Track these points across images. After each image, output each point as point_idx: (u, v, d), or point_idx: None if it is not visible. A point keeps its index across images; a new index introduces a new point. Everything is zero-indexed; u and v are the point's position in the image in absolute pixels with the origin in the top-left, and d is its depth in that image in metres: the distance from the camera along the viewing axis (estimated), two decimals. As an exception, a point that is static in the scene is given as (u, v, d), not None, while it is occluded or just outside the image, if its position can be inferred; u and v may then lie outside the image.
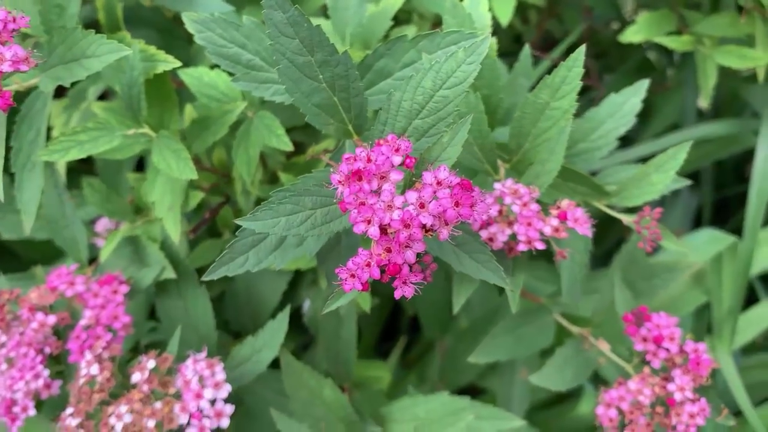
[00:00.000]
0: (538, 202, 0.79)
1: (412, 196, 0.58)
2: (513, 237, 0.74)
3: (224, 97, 0.94)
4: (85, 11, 1.16)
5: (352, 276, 0.60)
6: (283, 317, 0.86)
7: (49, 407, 0.90)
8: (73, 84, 0.80)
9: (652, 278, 1.04)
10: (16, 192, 0.84)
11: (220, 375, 0.78)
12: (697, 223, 1.70)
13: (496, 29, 1.21)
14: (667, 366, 0.87)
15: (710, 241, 1.34)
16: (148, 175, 0.90)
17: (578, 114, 0.92)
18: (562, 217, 0.73)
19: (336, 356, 0.98)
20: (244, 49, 0.82)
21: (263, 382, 0.92)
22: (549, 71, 0.77)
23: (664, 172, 0.82)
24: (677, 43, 1.19)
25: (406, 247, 0.59)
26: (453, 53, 0.63)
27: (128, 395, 0.78)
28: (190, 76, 0.94)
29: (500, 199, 0.74)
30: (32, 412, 0.83)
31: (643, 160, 1.07)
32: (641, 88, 0.90)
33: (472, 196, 0.58)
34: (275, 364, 0.89)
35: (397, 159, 0.60)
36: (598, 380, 1.30)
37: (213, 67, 0.97)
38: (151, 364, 0.79)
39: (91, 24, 1.09)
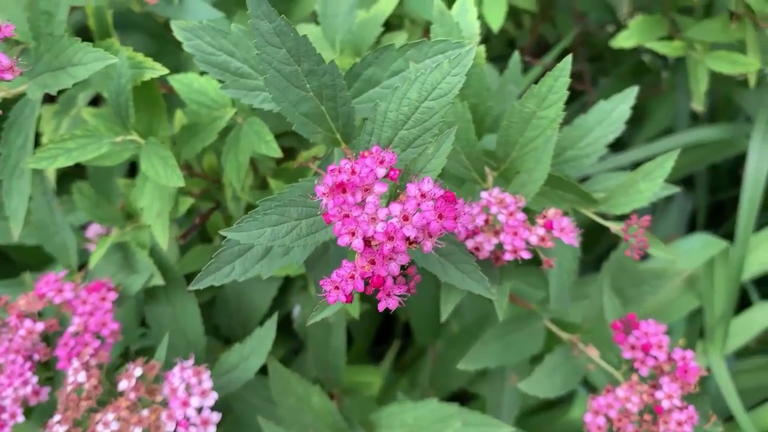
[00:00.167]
0: (526, 209, 0.79)
1: (395, 208, 0.58)
2: (499, 246, 0.74)
3: (214, 103, 0.94)
4: (76, 16, 1.16)
5: (336, 288, 0.60)
6: (271, 325, 0.86)
7: (38, 414, 0.90)
8: (62, 90, 0.80)
9: (641, 285, 1.05)
10: (5, 199, 0.84)
11: (207, 383, 0.78)
12: (691, 226, 1.71)
13: (489, 34, 1.21)
14: (656, 373, 0.87)
15: (703, 246, 1.34)
16: (137, 181, 0.90)
17: (568, 120, 0.93)
18: (548, 227, 0.73)
19: (325, 363, 0.98)
20: (233, 57, 0.82)
21: (251, 389, 0.92)
22: (540, 78, 0.77)
23: (652, 180, 0.82)
24: (669, 49, 1.19)
25: (389, 259, 0.59)
26: (438, 65, 0.63)
27: (115, 403, 0.78)
28: (180, 82, 0.94)
29: (486, 208, 0.74)
30: (21, 418, 0.83)
31: (637, 164, 1.07)
32: (630, 95, 0.90)
33: (456, 209, 0.58)
34: (264, 370, 0.89)
35: (382, 171, 0.60)
36: (591, 385, 1.30)
37: (203, 73, 0.97)
38: (138, 371, 0.79)
39: (82, 29, 1.09)
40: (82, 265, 0.99)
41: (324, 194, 0.60)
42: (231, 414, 0.95)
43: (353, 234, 0.58)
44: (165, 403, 0.78)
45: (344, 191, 0.59)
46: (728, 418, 1.37)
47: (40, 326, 0.84)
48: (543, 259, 0.76)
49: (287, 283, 1.07)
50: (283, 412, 0.87)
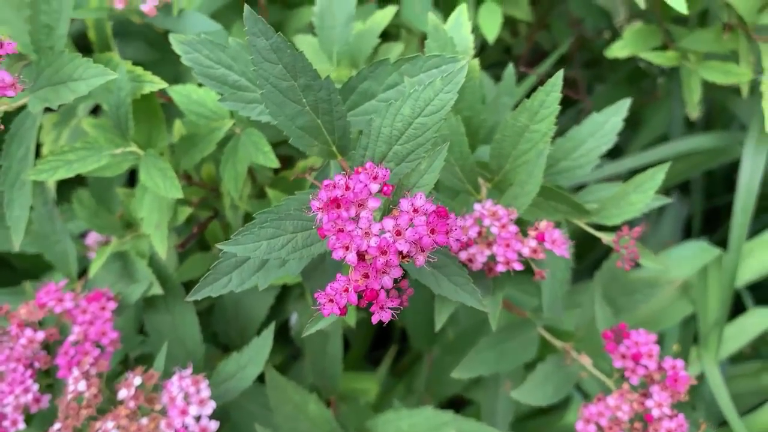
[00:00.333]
0: (520, 220, 0.80)
1: (389, 223, 0.59)
2: (492, 258, 0.75)
3: (212, 114, 0.96)
4: (76, 25, 1.17)
5: (331, 301, 0.61)
6: (268, 334, 0.87)
7: (39, 421, 0.92)
8: (61, 101, 0.81)
9: (633, 293, 1.06)
10: (6, 210, 0.85)
11: (205, 392, 0.80)
12: (687, 232, 1.72)
13: (485, 42, 1.22)
14: (646, 382, 0.88)
15: (696, 253, 1.35)
16: (136, 191, 0.92)
17: (563, 130, 0.94)
18: (540, 239, 0.74)
19: (322, 371, 0.99)
20: (231, 70, 0.83)
21: (249, 397, 0.93)
22: (535, 87, 0.78)
23: (643, 192, 0.84)
24: (662, 59, 1.20)
25: (383, 273, 0.60)
26: (431, 82, 0.64)
27: (115, 411, 0.79)
28: (179, 93, 0.96)
29: (480, 220, 0.75)
30: (22, 426, 0.84)
31: (633, 171, 1.09)
32: (622, 107, 0.91)
33: (448, 223, 0.60)
34: (262, 378, 0.91)
35: (375, 187, 0.61)
36: (586, 392, 1.31)
37: (201, 84, 0.99)
38: (137, 380, 0.80)
39: (83, 40, 1.10)
40: (83, 273, 1.00)
41: (319, 209, 0.61)
42: (229, 421, 0.96)
43: (347, 248, 0.59)
44: (164, 412, 0.80)
45: (338, 206, 0.61)
46: (722, 423, 1.38)
47: (40, 335, 0.85)
48: (535, 270, 0.77)
49: (285, 291, 1.08)
50: (280, 420, 0.88)
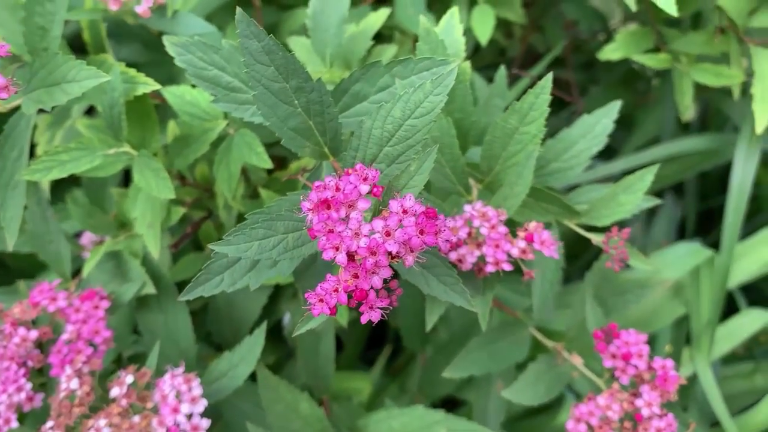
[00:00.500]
0: (511, 220, 0.81)
1: (378, 224, 0.60)
2: (482, 258, 0.76)
3: (206, 115, 0.96)
4: (71, 26, 1.18)
5: (321, 301, 0.62)
6: (260, 333, 0.88)
7: (32, 419, 0.92)
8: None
9: (624, 294, 1.07)
10: (0, 210, 0.86)
11: (197, 390, 0.80)
12: (682, 233, 1.73)
13: (480, 43, 1.23)
14: (636, 382, 0.89)
15: (689, 254, 1.36)
16: (130, 191, 0.92)
17: (554, 132, 0.95)
18: (529, 240, 0.75)
19: (315, 370, 1.00)
20: (224, 72, 0.84)
21: (242, 396, 0.94)
22: (527, 90, 0.79)
23: (632, 193, 0.84)
24: (654, 61, 1.21)
25: (372, 273, 0.61)
26: (421, 85, 0.65)
27: (107, 409, 0.79)
28: (173, 94, 0.96)
29: (470, 221, 0.76)
30: (14, 424, 0.85)
31: (626, 173, 1.09)
32: (613, 109, 0.92)
33: (437, 224, 0.60)
34: (254, 377, 0.91)
35: (365, 188, 0.62)
36: (578, 392, 1.32)
37: (195, 85, 0.99)
38: (129, 379, 0.80)
39: (77, 40, 1.11)
40: (77, 272, 1.01)
41: (309, 210, 0.62)
42: (221, 420, 0.97)
43: (337, 249, 0.60)
44: (156, 410, 0.80)
45: (329, 207, 0.61)
46: (714, 424, 1.39)
47: (34, 334, 0.86)
48: (524, 270, 0.78)
49: (278, 291, 1.09)
50: (272, 419, 0.88)
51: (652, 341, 1.40)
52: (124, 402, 0.79)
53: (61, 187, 1.13)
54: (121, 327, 1.00)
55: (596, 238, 0.85)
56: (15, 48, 0.85)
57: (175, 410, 0.79)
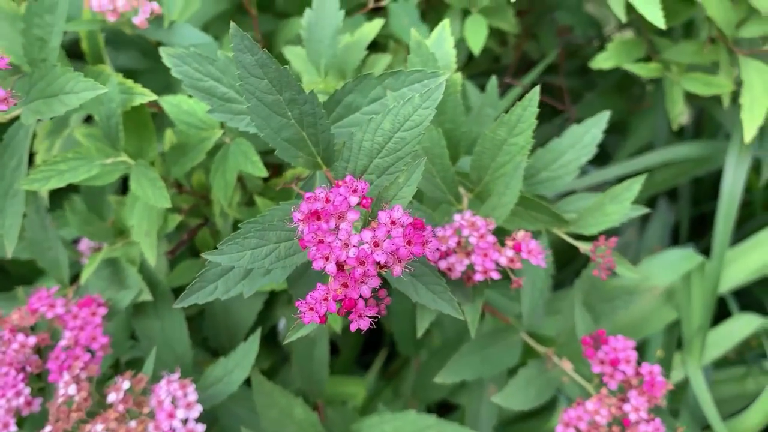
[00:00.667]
0: (501, 229, 0.82)
1: (367, 234, 0.61)
2: (471, 267, 0.78)
3: (202, 124, 0.98)
4: (69, 34, 1.19)
5: (311, 309, 0.63)
6: (254, 339, 0.89)
7: (30, 424, 0.93)
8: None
9: (613, 300, 1.08)
10: (-1, 217, 0.87)
11: (192, 396, 0.82)
12: (675, 238, 1.74)
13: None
14: (624, 387, 0.90)
15: (680, 259, 1.37)
16: (127, 200, 0.94)
17: (548, 140, 0.96)
18: (517, 249, 0.77)
19: (309, 375, 1.02)
20: (219, 83, 0.85)
21: (237, 401, 0.95)
22: (519, 98, 0.80)
23: (619, 202, 0.86)
24: (645, 70, 1.22)
25: (361, 282, 0.62)
26: (410, 99, 0.67)
27: (104, 414, 0.81)
28: (170, 103, 0.98)
29: (459, 230, 0.78)
30: (13, 428, 0.86)
31: (620, 179, 1.10)
32: (602, 119, 0.94)
33: (424, 235, 0.62)
34: (250, 382, 0.93)
35: (354, 199, 0.63)
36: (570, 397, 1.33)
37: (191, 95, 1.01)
38: (126, 384, 0.82)
39: (76, 48, 1.13)
40: (75, 278, 1.02)
41: (300, 220, 0.63)
42: (216, 425, 0.98)
43: (327, 258, 0.62)
44: (152, 415, 0.82)
45: (319, 218, 0.63)
46: (706, 427, 1.41)
47: (32, 340, 0.87)
48: (513, 279, 0.79)
49: (273, 297, 1.10)
50: (267, 424, 0.90)
51: (644, 346, 1.42)
52: (120, 407, 0.81)
53: (59, 195, 1.15)
54: (119, 333, 1.01)
55: (584, 247, 0.86)
56: (14, 59, 0.86)
57: (171, 415, 0.80)
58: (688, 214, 1.73)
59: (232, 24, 0.69)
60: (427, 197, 0.85)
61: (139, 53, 1.25)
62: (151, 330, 0.97)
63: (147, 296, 0.93)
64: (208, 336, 1.11)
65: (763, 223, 1.54)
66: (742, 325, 1.45)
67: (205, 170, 1.06)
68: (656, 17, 0.94)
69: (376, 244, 0.61)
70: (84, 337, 0.88)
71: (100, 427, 0.79)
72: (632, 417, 0.87)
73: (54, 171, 0.84)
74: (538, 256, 0.76)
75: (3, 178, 0.85)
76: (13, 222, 0.85)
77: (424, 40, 0.82)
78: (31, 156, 1.02)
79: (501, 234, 0.80)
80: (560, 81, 1.49)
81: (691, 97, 1.43)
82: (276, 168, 1.12)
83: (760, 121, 1.10)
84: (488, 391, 1.11)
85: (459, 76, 0.87)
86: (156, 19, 0.97)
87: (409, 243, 0.61)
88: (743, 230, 1.66)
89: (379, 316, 0.65)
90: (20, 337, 0.87)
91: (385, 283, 0.69)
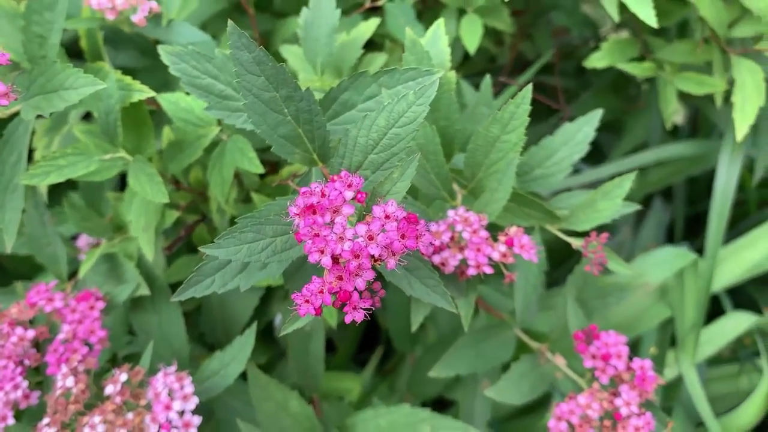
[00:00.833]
0: (494, 225, 0.84)
1: (362, 228, 0.62)
2: (464, 261, 0.79)
3: (200, 121, 0.99)
4: (69, 32, 1.20)
5: (307, 302, 0.64)
6: (250, 333, 0.90)
7: (28, 416, 0.94)
8: (52, 109, 0.84)
9: (605, 297, 1.09)
10: (-1, 213, 0.88)
11: (189, 388, 0.83)
12: (670, 237, 1.76)
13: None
14: (616, 381, 0.92)
15: (673, 257, 1.39)
16: (125, 195, 0.95)
17: (538, 139, 0.98)
18: (509, 244, 0.78)
19: (305, 369, 1.03)
20: (217, 80, 0.86)
21: (233, 394, 0.96)
22: (513, 96, 0.82)
23: (611, 199, 0.87)
24: (639, 70, 1.24)
25: (356, 275, 0.63)
26: (404, 96, 0.68)
27: (102, 406, 0.82)
28: (167, 100, 0.99)
29: (452, 226, 0.79)
30: (11, 421, 0.87)
31: (614, 178, 1.11)
32: (594, 117, 0.95)
33: (417, 229, 0.63)
34: (246, 376, 0.94)
35: (349, 194, 0.64)
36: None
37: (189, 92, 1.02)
38: (123, 377, 0.83)
39: (75, 46, 1.13)
40: (73, 273, 1.03)
41: (296, 215, 0.65)
42: (213, 417, 0.99)
43: (322, 252, 0.63)
44: (149, 407, 0.83)
45: (314, 212, 0.64)
46: (699, 424, 1.42)
47: (31, 333, 0.88)
48: (505, 273, 0.81)
49: (269, 292, 1.11)
50: (262, 417, 0.91)
51: (638, 343, 1.43)
52: (118, 399, 0.82)
53: (58, 191, 1.16)
54: (116, 327, 1.02)
55: (576, 243, 0.87)
56: (14, 55, 0.87)
57: (168, 407, 0.81)
58: (683, 213, 1.74)
59: (230, 22, 0.70)
60: (421, 194, 0.87)
61: (137, 51, 1.25)
62: (148, 324, 0.98)
63: (144, 291, 0.94)
64: (205, 331, 1.12)
65: (757, 222, 1.56)
66: (736, 322, 1.46)
67: (202, 167, 1.07)
68: (648, 16, 0.95)
69: (371, 238, 0.62)
70: (82, 331, 0.89)
71: (97, 419, 0.80)
72: (623, 411, 0.88)
73: (53, 166, 0.85)
74: (530, 250, 0.78)
75: (3, 173, 0.86)
76: (12, 217, 0.86)
77: (418, 39, 0.84)
78: (31, 153, 1.03)
79: (494, 230, 0.81)
80: (556, 81, 1.50)
81: (684, 97, 1.45)
82: (273, 165, 1.13)
83: (752, 120, 1.11)
84: (482, 386, 1.12)
85: (453, 74, 0.88)
86: (154, 18, 0.98)
87: (402, 236, 0.62)
88: (737, 229, 1.67)
89: (374, 308, 0.66)
90: (19, 330, 0.88)
91: (379, 277, 0.70)
